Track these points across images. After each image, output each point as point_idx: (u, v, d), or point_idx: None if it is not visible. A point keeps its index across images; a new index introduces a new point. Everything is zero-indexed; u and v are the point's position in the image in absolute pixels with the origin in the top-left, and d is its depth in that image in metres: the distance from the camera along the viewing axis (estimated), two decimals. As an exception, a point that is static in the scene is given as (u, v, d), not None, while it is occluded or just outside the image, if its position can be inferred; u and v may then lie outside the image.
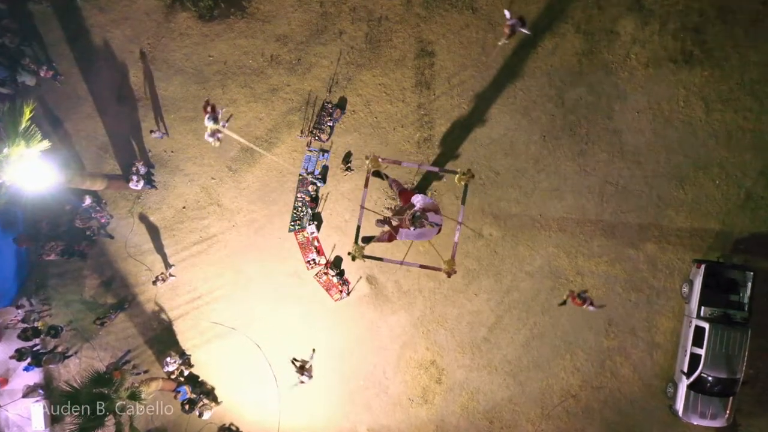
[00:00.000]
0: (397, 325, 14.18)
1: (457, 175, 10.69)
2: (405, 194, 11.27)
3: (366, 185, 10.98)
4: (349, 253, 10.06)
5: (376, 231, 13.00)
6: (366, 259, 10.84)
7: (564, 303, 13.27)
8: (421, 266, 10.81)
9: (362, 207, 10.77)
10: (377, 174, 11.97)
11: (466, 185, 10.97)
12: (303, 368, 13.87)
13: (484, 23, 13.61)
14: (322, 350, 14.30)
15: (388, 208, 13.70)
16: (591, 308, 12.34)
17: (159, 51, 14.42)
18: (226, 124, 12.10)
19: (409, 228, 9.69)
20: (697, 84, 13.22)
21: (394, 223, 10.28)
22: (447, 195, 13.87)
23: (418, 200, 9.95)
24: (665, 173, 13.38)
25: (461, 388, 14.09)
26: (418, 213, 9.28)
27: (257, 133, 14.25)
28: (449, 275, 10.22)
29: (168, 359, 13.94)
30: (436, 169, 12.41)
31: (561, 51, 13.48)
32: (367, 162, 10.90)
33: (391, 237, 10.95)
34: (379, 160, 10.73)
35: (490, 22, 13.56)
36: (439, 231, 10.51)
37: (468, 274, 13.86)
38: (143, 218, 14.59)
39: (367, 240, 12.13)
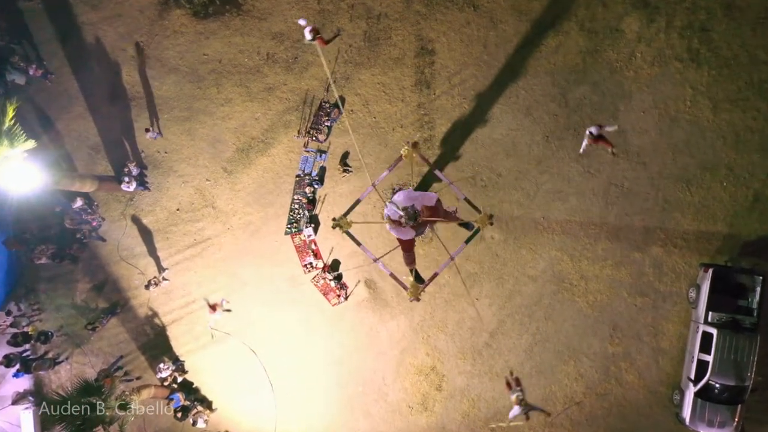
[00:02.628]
0: (397, 331, 13.83)
1: (478, 217, 9.39)
2: (407, 246, 10.43)
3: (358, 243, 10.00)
4: (333, 219, 9.06)
5: (375, 245, 12.67)
6: (346, 236, 9.76)
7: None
8: (391, 275, 9.83)
9: (376, 261, 10.02)
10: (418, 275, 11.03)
11: (479, 229, 9.74)
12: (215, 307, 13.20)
13: (486, 21, 13.28)
14: (320, 356, 13.95)
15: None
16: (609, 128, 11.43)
17: (152, 49, 14.08)
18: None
19: (433, 210, 9.16)
20: (704, 83, 12.90)
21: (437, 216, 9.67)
22: (448, 197, 13.50)
23: (407, 233, 9.25)
24: (671, 174, 13.05)
25: (462, 395, 13.73)
26: (405, 220, 8.60)
27: (253, 133, 13.92)
28: (411, 300, 9.28)
29: (161, 365, 13.56)
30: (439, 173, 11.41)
31: (564, 49, 13.15)
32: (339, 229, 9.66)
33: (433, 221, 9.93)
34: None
35: (491, 20, 13.24)
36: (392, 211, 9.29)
37: (469, 278, 13.51)
38: (136, 221, 14.24)
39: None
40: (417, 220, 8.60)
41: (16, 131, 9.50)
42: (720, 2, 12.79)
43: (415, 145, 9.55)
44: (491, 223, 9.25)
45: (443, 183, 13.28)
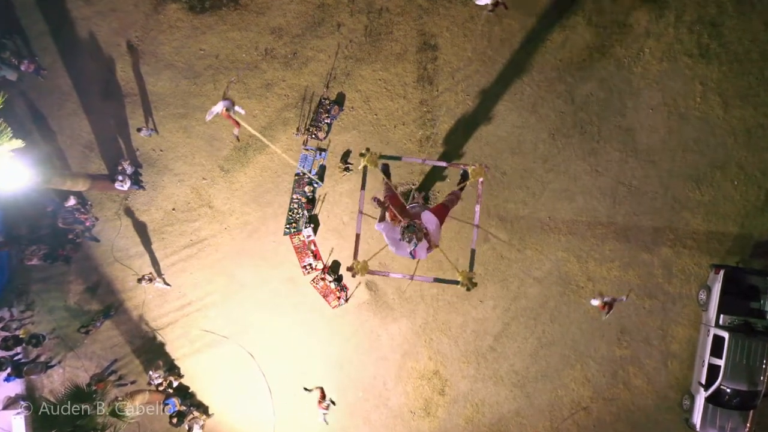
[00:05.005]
0: (398, 334, 13.47)
1: (470, 169, 8.71)
2: (443, 213, 8.96)
3: (363, 186, 9.54)
4: (349, 269, 8.41)
5: (375, 243, 12.33)
6: (369, 275, 8.96)
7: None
8: (436, 280, 9.32)
9: (360, 212, 9.43)
10: (386, 171, 9.96)
11: (480, 182, 9.00)
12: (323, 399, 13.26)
13: (490, 15, 12.89)
14: (319, 360, 13.58)
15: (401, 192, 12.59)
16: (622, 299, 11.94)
17: (147, 44, 13.69)
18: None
19: (394, 226, 7.93)
20: (715, 79, 12.55)
21: (388, 214, 8.87)
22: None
23: (428, 220, 7.91)
24: (681, 173, 12.71)
25: (465, 400, 13.38)
26: (412, 228, 7.42)
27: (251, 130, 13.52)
28: (468, 289, 8.36)
29: (151, 373, 13.18)
30: (443, 163, 10.62)
31: (571, 44, 12.79)
32: (363, 160, 8.84)
33: (388, 205, 8.92)
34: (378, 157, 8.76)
35: (496, 14, 12.85)
36: (411, 253, 8.12)
37: (473, 280, 13.15)
38: (130, 220, 13.84)
39: (384, 170, 9.80)
40: (406, 232, 7.76)
41: (1, 128, 9.10)
42: (731, -4, 12.46)
43: (368, 150, 8.76)
44: (486, 168, 8.60)
45: (445, 183, 13.03)
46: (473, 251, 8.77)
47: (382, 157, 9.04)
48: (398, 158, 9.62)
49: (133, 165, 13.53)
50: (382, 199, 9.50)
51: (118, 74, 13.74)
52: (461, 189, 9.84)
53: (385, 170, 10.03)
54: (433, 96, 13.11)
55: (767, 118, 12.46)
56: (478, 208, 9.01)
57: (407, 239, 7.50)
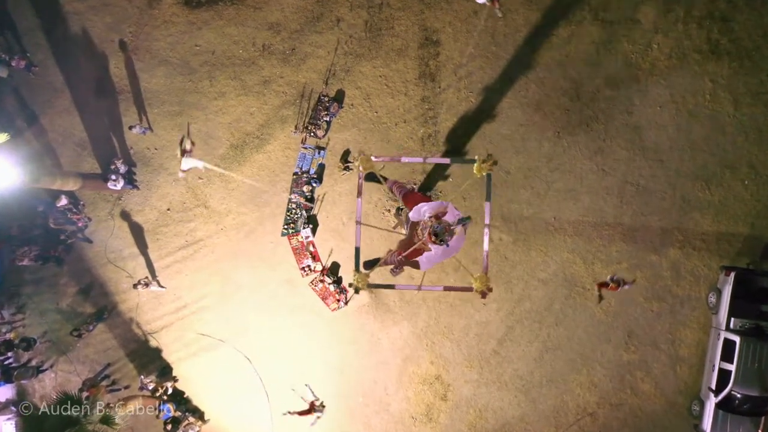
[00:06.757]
0: (399, 337, 13.11)
1: (476, 164, 8.58)
2: (411, 197, 9.65)
3: (359, 194, 9.29)
4: (350, 285, 8.46)
5: (376, 249, 12.14)
6: (374, 290, 9.35)
7: (601, 298, 12.50)
8: (446, 288, 9.39)
9: (358, 222, 9.13)
10: (372, 177, 9.96)
11: (489, 175, 8.80)
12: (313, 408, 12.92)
13: (494, 10, 12.56)
14: (318, 364, 13.23)
15: (389, 211, 12.67)
16: (627, 287, 12.13)
17: (142, 40, 13.33)
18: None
19: (430, 250, 7.82)
20: (725, 76, 12.22)
21: (413, 256, 8.75)
22: (453, 195, 12.81)
23: (423, 210, 7.88)
24: (690, 173, 12.37)
25: (468, 406, 13.03)
26: (439, 227, 7.35)
27: (248, 128, 13.19)
28: (484, 296, 8.36)
29: (142, 377, 12.82)
30: (446, 160, 10.55)
31: (577, 40, 12.46)
32: (357, 163, 9.00)
33: (405, 257, 9.10)
34: (373, 158, 9.02)
35: (499, 10, 12.52)
36: (465, 230, 8.21)
37: (476, 282, 12.80)
38: (124, 221, 13.48)
39: (371, 264, 10.30)
40: (440, 237, 7.60)
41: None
42: (741, -10, 12.13)
43: (366, 157, 8.93)
44: (495, 162, 8.57)
45: (447, 182, 12.70)
46: (486, 253, 9.35)
47: (362, 268, 9.17)
48: (357, 249, 9.40)
49: (127, 164, 13.18)
50: (395, 264, 9.68)
51: (112, 71, 13.39)
52: (383, 177, 10.52)
53: (371, 264, 10.31)
54: (435, 93, 12.76)
55: (779, 115, 12.14)
56: (404, 159, 9.94)
57: (448, 234, 7.49)
